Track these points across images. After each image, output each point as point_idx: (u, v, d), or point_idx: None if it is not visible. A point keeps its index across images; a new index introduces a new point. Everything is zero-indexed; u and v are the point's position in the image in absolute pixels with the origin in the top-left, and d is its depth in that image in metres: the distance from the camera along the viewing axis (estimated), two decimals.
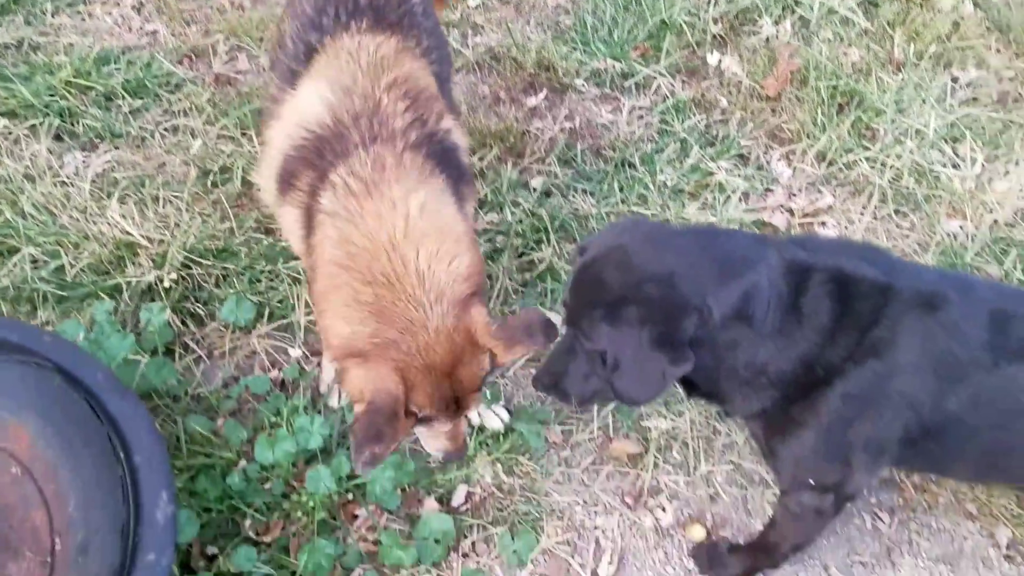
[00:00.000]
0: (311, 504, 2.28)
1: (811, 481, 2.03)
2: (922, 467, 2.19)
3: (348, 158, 1.99)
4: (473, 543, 2.39)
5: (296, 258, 2.89)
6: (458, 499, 2.46)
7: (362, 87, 2.08)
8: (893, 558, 2.41)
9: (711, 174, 3.21)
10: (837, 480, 2.01)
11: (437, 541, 2.34)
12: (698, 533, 2.45)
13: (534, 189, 3.15)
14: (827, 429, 1.90)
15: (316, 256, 1.97)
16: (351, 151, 2.00)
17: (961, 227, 3.12)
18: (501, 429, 2.57)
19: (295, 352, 2.72)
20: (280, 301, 2.80)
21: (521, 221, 3.02)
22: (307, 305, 2.77)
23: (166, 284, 2.73)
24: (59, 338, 2.17)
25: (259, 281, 2.84)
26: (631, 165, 3.23)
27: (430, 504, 2.43)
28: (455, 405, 1.92)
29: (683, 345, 1.73)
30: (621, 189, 3.13)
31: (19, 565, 1.81)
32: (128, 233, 2.81)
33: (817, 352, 1.82)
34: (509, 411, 2.61)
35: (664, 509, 2.50)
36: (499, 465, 2.52)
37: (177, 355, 2.66)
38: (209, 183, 3.06)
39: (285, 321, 2.75)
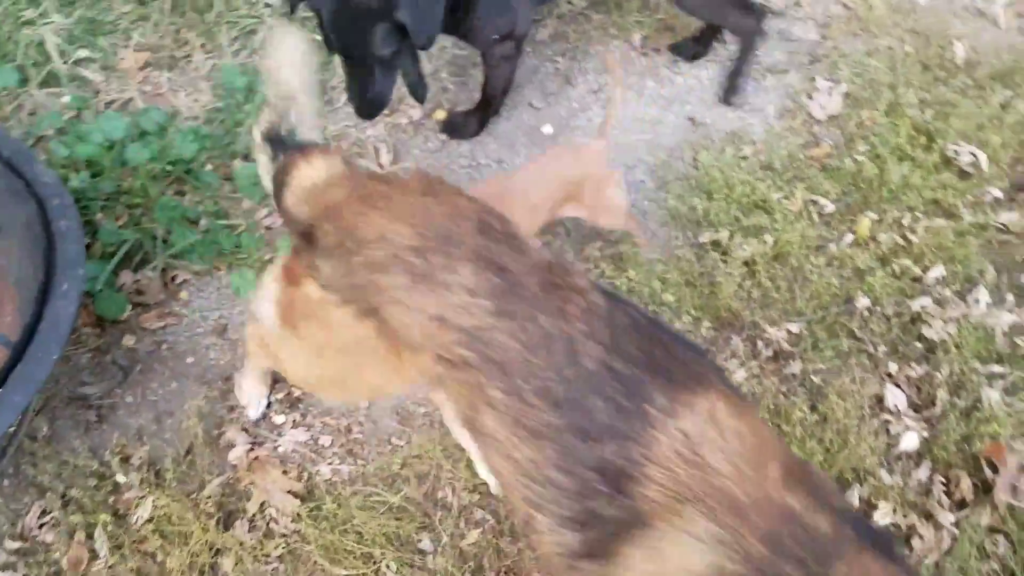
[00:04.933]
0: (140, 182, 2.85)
1: (495, 36, 2.88)
2: None
3: None
4: None
5: None
6: None
7: None
8: (571, 82, 3.38)
9: None
10: (510, 27, 2.86)
11: (255, 184, 3.00)
12: (441, 115, 3.28)
13: None
14: None
15: None
16: None
17: None
18: None
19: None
20: (34, 64, 3.14)
21: None
22: (64, 55, 3.15)
23: None
24: None
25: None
26: None
27: (236, 163, 3.06)
28: None
29: None
30: None
31: None
32: None
33: None
34: None
35: (413, 107, 3.28)
36: None
37: None
38: None
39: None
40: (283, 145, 1.85)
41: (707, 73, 3.39)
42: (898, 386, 2.49)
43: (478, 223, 1.51)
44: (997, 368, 2.50)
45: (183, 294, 2.80)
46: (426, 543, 2.21)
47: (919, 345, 2.57)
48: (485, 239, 1.48)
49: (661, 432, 1.32)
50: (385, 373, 1.68)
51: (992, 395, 2.42)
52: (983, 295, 2.65)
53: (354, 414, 2.49)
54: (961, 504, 2.29)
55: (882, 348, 2.56)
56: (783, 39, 3.54)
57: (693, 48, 3.39)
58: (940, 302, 2.64)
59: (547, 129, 3.27)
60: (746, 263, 2.76)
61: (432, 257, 1.46)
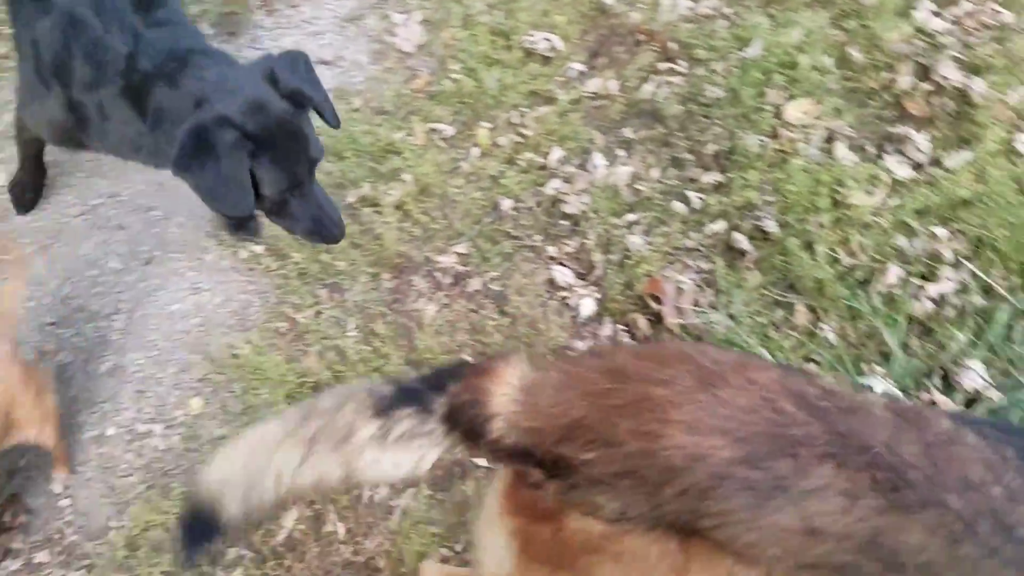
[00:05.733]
0: None
1: None
2: None
3: None
4: None
5: None
6: None
7: None
8: None
9: None
10: None
11: None
12: None
13: None
14: None
15: None
16: None
17: None
18: None
19: None
20: None
21: None
22: None
23: None
24: None
25: None
26: None
27: None
28: None
29: None
30: None
31: None
32: None
33: None
34: None
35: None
36: None
37: None
38: None
39: None
40: (414, 393, 1.40)
41: (289, 42, 3.35)
42: (562, 264, 2.73)
43: (796, 400, 1.20)
44: (631, 216, 2.82)
45: None
46: None
47: (565, 222, 2.82)
48: (820, 420, 1.18)
49: None
50: None
51: (635, 240, 2.75)
52: (599, 159, 2.96)
53: (60, 516, 2.25)
54: (646, 340, 2.60)
55: (537, 237, 2.79)
56: None
57: None
58: (568, 179, 2.91)
59: None
60: (397, 207, 2.83)
61: (774, 464, 1.16)
